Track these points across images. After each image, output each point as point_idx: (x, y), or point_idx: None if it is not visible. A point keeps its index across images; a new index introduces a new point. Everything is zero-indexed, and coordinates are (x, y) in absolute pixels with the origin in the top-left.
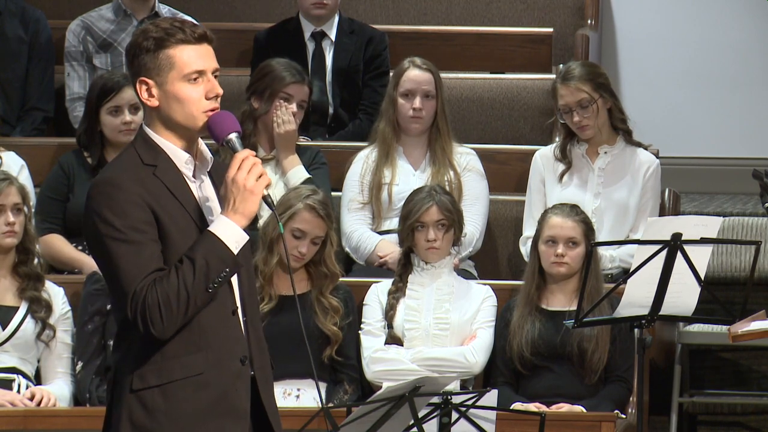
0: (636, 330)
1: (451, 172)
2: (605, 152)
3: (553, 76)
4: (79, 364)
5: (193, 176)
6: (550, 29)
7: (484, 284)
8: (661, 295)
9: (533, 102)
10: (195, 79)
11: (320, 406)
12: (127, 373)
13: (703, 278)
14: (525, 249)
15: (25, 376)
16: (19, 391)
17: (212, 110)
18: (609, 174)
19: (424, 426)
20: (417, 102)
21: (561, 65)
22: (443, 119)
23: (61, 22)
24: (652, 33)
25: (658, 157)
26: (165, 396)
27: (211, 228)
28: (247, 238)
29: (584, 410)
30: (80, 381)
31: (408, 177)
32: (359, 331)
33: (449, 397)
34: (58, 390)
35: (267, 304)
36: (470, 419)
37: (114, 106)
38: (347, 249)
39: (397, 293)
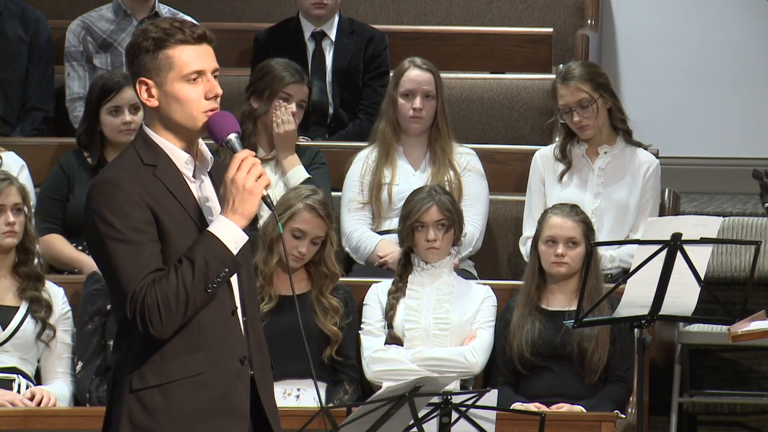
0: (636, 330)
1: (451, 172)
2: (605, 152)
3: (553, 76)
4: (79, 364)
5: (193, 176)
6: (550, 29)
7: (484, 284)
8: (661, 295)
9: (533, 102)
10: (194, 80)
11: (314, 407)
12: (126, 373)
13: (703, 278)
14: (525, 249)
15: (25, 376)
16: (19, 391)
17: (212, 110)
18: (609, 174)
19: (424, 426)
20: (417, 102)
21: (561, 65)
22: (443, 119)
23: (61, 22)
24: (652, 33)
25: (658, 157)
26: (164, 396)
27: (211, 228)
28: (246, 238)
29: (584, 410)
30: (80, 381)
31: (408, 177)
32: (359, 331)
33: (449, 397)
34: (58, 390)
35: (267, 304)
36: (470, 419)
37: (114, 106)
38: (347, 249)
39: (397, 293)
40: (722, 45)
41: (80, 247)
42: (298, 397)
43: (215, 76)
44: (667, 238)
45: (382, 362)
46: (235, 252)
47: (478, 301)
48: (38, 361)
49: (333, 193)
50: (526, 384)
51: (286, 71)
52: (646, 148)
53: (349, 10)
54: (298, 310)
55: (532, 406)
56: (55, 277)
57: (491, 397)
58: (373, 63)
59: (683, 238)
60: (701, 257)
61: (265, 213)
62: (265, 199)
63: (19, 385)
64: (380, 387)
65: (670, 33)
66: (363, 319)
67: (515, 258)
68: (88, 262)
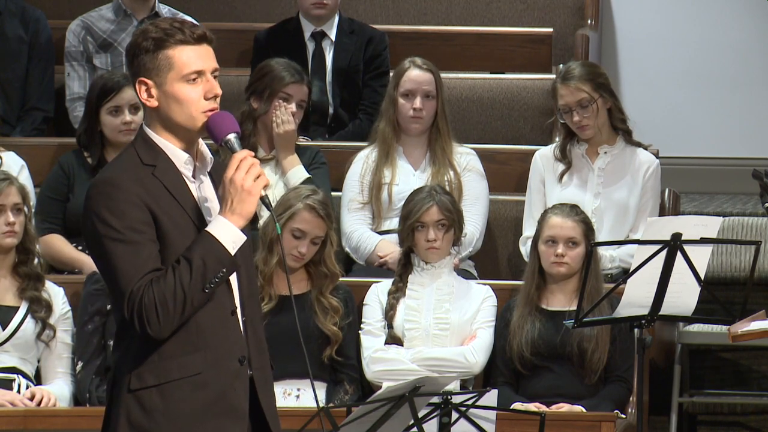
0: (636, 330)
1: (451, 172)
2: (605, 152)
3: (553, 76)
4: (79, 364)
5: (193, 176)
6: (550, 29)
7: (484, 284)
8: (661, 295)
9: (533, 102)
10: (194, 80)
11: (314, 407)
12: (125, 373)
13: (703, 278)
14: (525, 249)
15: (25, 376)
16: (19, 391)
17: (211, 110)
18: (609, 174)
19: (424, 426)
20: (417, 102)
21: (561, 65)
22: (443, 119)
23: (61, 22)
24: (652, 33)
25: (658, 157)
26: (163, 396)
27: (209, 228)
28: (244, 238)
29: (584, 410)
30: (80, 381)
31: (408, 177)
32: (359, 331)
33: (449, 397)
34: (58, 390)
35: (267, 304)
36: (470, 419)
37: (114, 106)
38: (347, 249)
39: (397, 293)
40: (722, 45)
41: (80, 247)
42: (298, 397)
43: (215, 77)
44: (667, 238)
45: (382, 362)
46: (233, 252)
47: (478, 301)
48: (38, 361)
49: (333, 193)
50: (526, 384)
51: (286, 71)
52: (646, 148)
53: (349, 10)
54: (296, 310)
55: (532, 406)
56: (55, 277)
57: (491, 397)
58: (373, 63)
59: (683, 238)
60: (701, 257)
61: (266, 213)
62: (264, 200)
63: (19, 385)
64: (380, 387)
65: (670, 33)
66: (363, 319)
67: (515, 258)
68: (88, 262)
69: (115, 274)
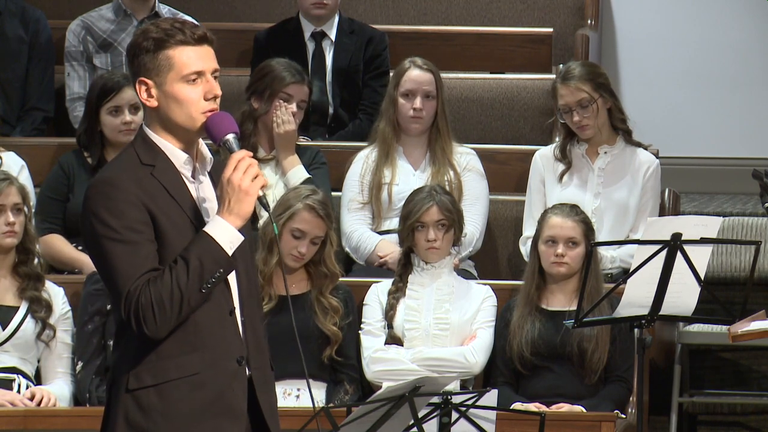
0: (636, 330)
1: (451, 172)
2: (605, 152)
3: (553, 76)
4: (79, 364)
5: (192, 176)
6: (550, 29)
7: (484, 284)
8: (661, 295)
9: (533, 102)
10: (194, 80)
11: (319, 406)
12: (123, 373)
13: (703, 278)
14: (525, 249)
15: (25, 376)
16: (19, 391)
17: (211, 111)
18: (609, 174)
19: (424, 426)
20: (417, 102)
21: (561, 65)
22: (443, 119)
23: (61, 22)
24: (652, 33)
25: (658, 157)
26: (160, 396)
27: (206, 228)
28: (242, 238)
29: (584, 410)
30: (80, 381)
31: (408, 177)
32: (359, 331)
33: (449, 397)
34: (58, 390)
35: (267, 304)
36: (470, 419)
37: (114, 106)
38: (347, 249)
39: (397, 293)
40: (722, 45)
41: (80, 247)
42: (298, 397)
43: (215, 77)
44: (667, 238)
45: (382, 362)
46: (230, 252)
47: (478, 301)
48: (38, 361)
49: (333, 193)
50: (526, 384)
51: (287, 71)
52: (646, 148)
53: (349, 10)
54: (292, 310)
55: (532, 406)
56: (55, 277)
57: (491, 397)
58: (373, 63)
59: (683, 238)
60: (701, 257)
61: (266, 213)
62: (261, 200)
63: (19, 385)
64: (380, 387)
65: (670, 33)
66: (363, 319)
67: (515, 258)
68: (88, 262)
69: (112, 273)
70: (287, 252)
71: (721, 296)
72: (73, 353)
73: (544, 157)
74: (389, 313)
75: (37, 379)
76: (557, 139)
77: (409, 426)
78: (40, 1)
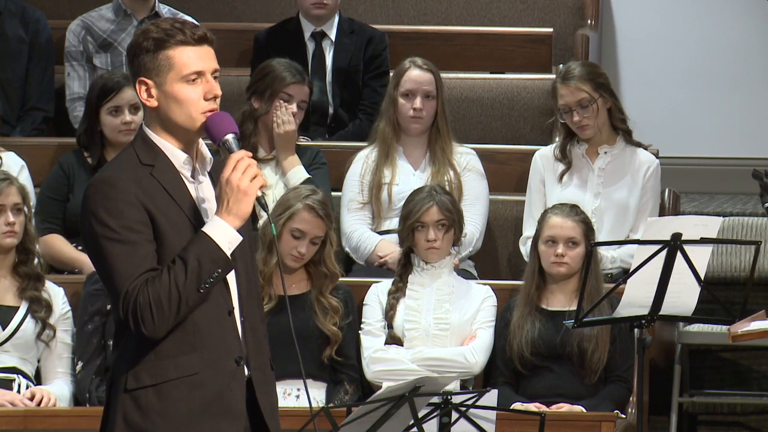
0: (636, 330)
1: (451, 172)
2: (605, 152)
3: (553, 76)
4: (79, 364)
5: (192, 176)
6: (550, 29)
7: (484, 284)
8: (661, 295)
9: (533, 102)
10: (194, 80)
11: (317, 406)
12: (122, 373)
13: (703, 278)
14: (525, 249)
15: (25, 376)
16: (19, 391)
17: (211, 111)
18: (609, 174)
19: (424, 426)
20: (417, 102)
21: (561, 65)
22: (443, 119)
23: (61, 22)
24: (652, 33)
25: (658, 157)
26: (159, 396)
27: (205, 229)
28: (240, 238)
29: (584, 410)
30: (80, 381)
31: (408, 177)
32: (359, 331)
33: (449, 397)
34: (58, 390)
35: (267, 304)
36: (470, 419)
37: (114, 106)
38: (347, 249)
39: (397, 293)
40: (722, 45)
41: (80, 247)
42: (298, 397)
43: (215, 77)
44: (667, 238)
45: (382, 362)
46: (228, 252)
47: (478, 301)
48: (38, 361)
49: (333, 193)
50: (526, 384)
51: (287, 71)
52: (646, 148)
53: (349, 10)
54: (289, 311)
55: (532, 406)
56: (55, 277)
57: (491, 397)
58: (373, 63)
59: (683, 238)
60: (701, 257)
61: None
62: (260, 200)
63: (19, 385)
64: (380, 387)
65: (670, 33)
66: (363, 319)
67: (515, 258)
68: (87, 262)
69: (111, 273)
70: (287, 252)
71: (721, 296)
72: (73, 353)
73: (544, 157)
74: (389, 313)
75: (37, 379)
76: (557, 139)
77: (409, 426)
78: (40, 1)
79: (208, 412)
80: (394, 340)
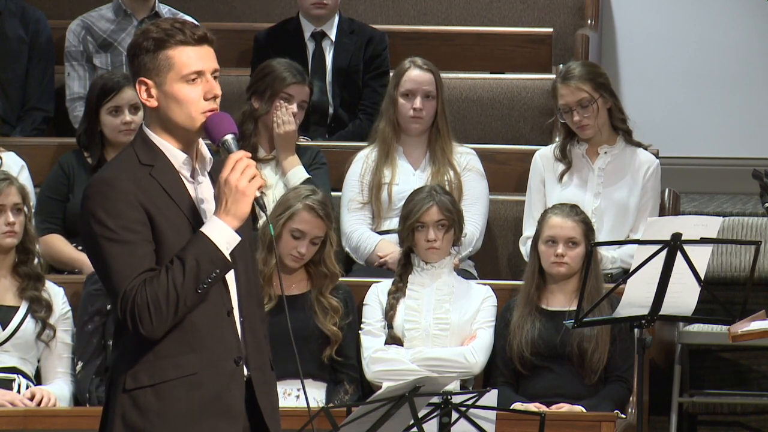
0: (636, 330)
1: (451, 172)
2: (605, 152)
3: (553, 76)
4: (79, 364)
5: (192, 177)
6: (550, 29)
7: (484, 284)
8: (661, 295)
9: (533, 102)
10: (193, 80)
11: (317, 406)
12: (121, 373)
13: (703, 278)
14: (525, 249)
15: (25, 376)
16: (19, 391)
17: (211, 111)
18: (609, 174)
19: (424, 426)
20: (417, 102)
21: (561, 65)
22: (443, 119)
23: (61, 22)
24: (652, 33)
25: (658, 157)
26: (158, 396)
27: (203, 229)
28: (238, 239)
29: (584, 410)
30: (80, 381)
31: (408, 177)
32: (359, 331)
33: (449, 397)
34: (58, 390)
35: (267, 304)
36: (470, 419)
37: (114, 106)
38: (347, 249)
39: (397, 293)
40: (722, 45)
41: (80, 247)
42: (298, 397)
43: (215, 77)
44: (667, 238)
45: (382, 362)
46: (226, 253)
47: (478, 301)
48: (38, 361)
49: (333, 193)
50: (526, 384)
51: (288, 71)
52: (646, 148)
53: (349, 10)
54: (287, 311)
55: (532, 406)
56: (55, 277)
57: (491, 397)
58: (373, 63)
59: (683, 238)
60: (701, 257)
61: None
62: (258, 201)
63: (19, 385)
64: (380, 387)
65: (670, 33)
66: (363, 319)
67: (515, 258)
68: (87, 263)
69: (109, 273)
70: (287, 252)
71: (721, 296)
72: (73, 353)
73: (544, 157)
74: (389, 313)
75: (37, 379)
76: (557, 139)
77: (409, 426)
78: (40, 1)
79: (207, 412)
80: (394, 340)
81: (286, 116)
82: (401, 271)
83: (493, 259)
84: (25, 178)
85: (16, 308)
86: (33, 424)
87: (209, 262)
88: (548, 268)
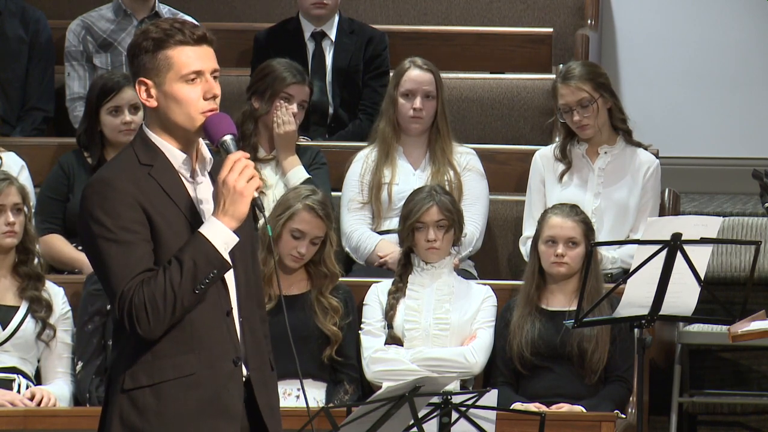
0: (636, 330)
1: (451, 172)
2: (605, 152)
3: (553, 76)
4: (79, 364)
5: (192, 177)
6: (550, 29)
7: (484, 284)
8: (661, 295)
9: (533, 102)
10: (192, 80)
11: (317, 406)
12: (120, 373)
13: (703, 278)
14: (525, 249)
15: (25, 376)
16: (19, 391)
17: (210, 111)
18: (609, 174)
19: (424, 426)
20: (417, 102)
21: (561, 65)
22: (443, 119)
23: (61, 22)
24: (652, 33)
25: (658, 157)
26: (156, 396)
27: (201, 229)
28: (236, 239)
29: (584, 410)
30: (80, 381)
31: (408, 177)
32: (359, 331)
33: (449, 397)
34: (58, 390)
35: (267, 304)
36: (470, 419)
37: (114, 106)
38: (347, 249)
39: (397, 293)
40: (722, 45)
41: (80, 247)
42: (298, 397)
43: (215, 77)
44: (667, 238)
45: (382, 362)
46: (224, 253)
47: (478, 301)
48: (38, 361)
49: (333, 193)
50: (526, 384)
51: (288, 71)
52: (646, 148)
53: (349, 10)
54: (285, 311)
55: (532, 406)
56: (55, 277)
57: (491, 397)
58: (373, 63)
59: (683, 238)
60: (701, 257)
61: (266, 213)
62: (256, 201)
63: (19, 385)
64: (380, 387)
65: (670, 33)
66: (363, 319)
67: (515, 258)
68: (87, 263)
69: (107, 274)
70: (287, 252)
71: (721, 296)
72: (73, 353)
73: (544, 157)
74: (389, 313)
75: (37, 379)
76: (557, 139)
77: (409, 426)
78: (40, 1)
79: (205, 412)
80: (394, 340)
81: (286, 116)
82: (401, 271)
83: (493, 259)
84: (25, 178)
85: (16, 308)
86: (33, 424)
87: (207, 262)
88: (548, 268)
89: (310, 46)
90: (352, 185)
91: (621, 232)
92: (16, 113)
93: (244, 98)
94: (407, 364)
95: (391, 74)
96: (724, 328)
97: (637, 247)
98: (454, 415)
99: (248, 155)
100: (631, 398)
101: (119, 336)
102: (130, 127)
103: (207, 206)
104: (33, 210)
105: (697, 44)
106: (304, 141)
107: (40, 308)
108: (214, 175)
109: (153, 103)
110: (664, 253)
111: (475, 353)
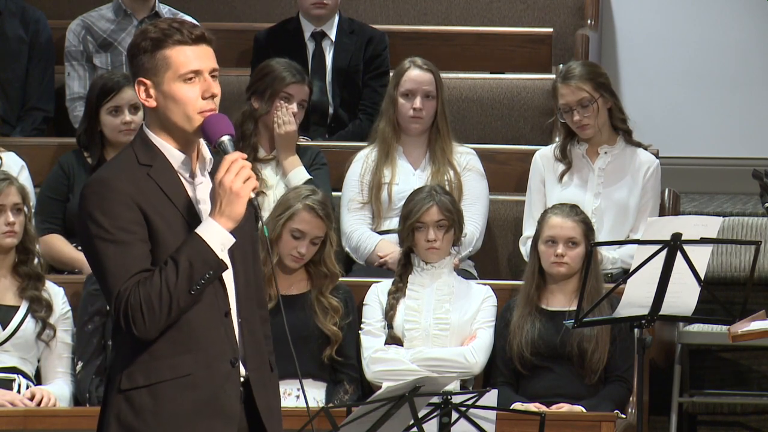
0: (636, 330)
1: (451, 172)
2: (605, 152)
3: (553, 76)
4: (79, 364)
5: (191, 177)
6: (550, 29)
7: (484, 284)
8: (661, 295)
9: (533, 102)
10: (191, 79)
11: (317, 406)
12: (117, 373)
13: (703, 278)
14: (525, 249)
15: (25, 375)
16: (19, 391)
17: (209, 110)
18: (609, 174)
19: (424, 426)
20: (417, 102)
21: (561, 65)
22: (443, 119)
23: (61, 22)
24: (652, 33)
25: (658, 157)
26: (153, 396)
27: (197, 230)
28: (233, 240)
29: (584, 410)
30: (80, 381)
31: (408, 177)
32: (359, 331)
33: (449, 397)
34: (58, 390)
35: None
36: (470, 419)
37: (114, 106)
38: (347, 249)
39: (397, 293)
40: (722, 45)
41: (80, 247)
42: (298, 397)
43: (214, 77)
44: (667, 238)
45: (382, 362)
46: (220, 254)
47: (478, 301)
48: (38, 361)
49: (333, 193)
50: (526, 384)
51: (288, 71)
52: (646, 148)
53: (349, 10)
54: (283, 311)
55: (532, 406)
56: (55, 277)
57: (491, 397)
58: (373, 63)
59: (683, 238)
60: (701, 257)
61: (265, 213)
62: (252, 202)
63: (19, 385)
64: (380, 387)
65: (670, 33)
66: (363, 319)
67: (515, 258)
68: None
69: (104, 274)
70: (287, 252)
71: (721, 296)
72: (73, 353)
73: (544, 157)
74: (389, 313)
75: (37, 379)
76: (557, 139)
77: (409, 426)
78: (40, 1)
79: (202, 413)
80: (394, 340)
81: (286, 116)
82: (401, 271)
83: (493, 259)
84: (25, 178)
85: (16, 308)
86: (33, 424)
87: (202, 263)
88: (548, 268)
89: (310, 46)
90: (352, 185)
91: (621, 232)
92: (16, 113)
93: (244, 98)
94: (407, 364)
95: (391, 74)
96: (724, 328)
97: (637, 247)
98: (454, 415)
99: (246, 156)
100: (631, 398)
101: (117, 336)
102: (130, 127)
103: (206, 206)
104: (33, 210)
105: (697, 44)
106: (304, 141)
107: (40, 308)
108: (214, 176)
109: (152, 103)
110: (664, 253)
111: (475, 353)
